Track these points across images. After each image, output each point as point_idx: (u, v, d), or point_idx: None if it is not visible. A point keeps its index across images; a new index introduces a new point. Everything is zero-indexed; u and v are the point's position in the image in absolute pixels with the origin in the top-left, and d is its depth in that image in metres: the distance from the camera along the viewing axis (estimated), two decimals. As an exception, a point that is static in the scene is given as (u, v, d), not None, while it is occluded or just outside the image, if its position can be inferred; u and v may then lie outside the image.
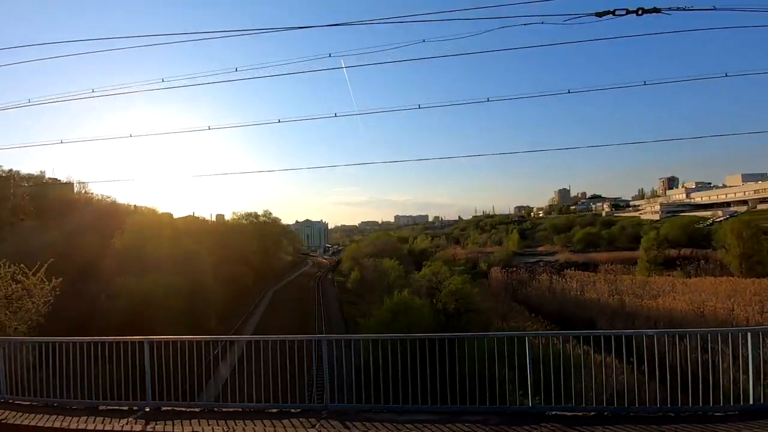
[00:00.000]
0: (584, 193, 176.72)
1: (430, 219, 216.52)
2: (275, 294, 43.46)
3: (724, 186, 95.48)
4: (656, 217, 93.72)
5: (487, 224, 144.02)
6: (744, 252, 50.67)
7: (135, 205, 48.13)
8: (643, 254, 56.77)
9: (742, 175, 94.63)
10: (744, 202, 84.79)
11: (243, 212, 56.58)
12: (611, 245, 77.01)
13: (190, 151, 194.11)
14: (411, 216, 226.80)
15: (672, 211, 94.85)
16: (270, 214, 60.29)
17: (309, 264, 79.41)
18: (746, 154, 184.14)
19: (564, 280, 52.59)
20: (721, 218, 77.20)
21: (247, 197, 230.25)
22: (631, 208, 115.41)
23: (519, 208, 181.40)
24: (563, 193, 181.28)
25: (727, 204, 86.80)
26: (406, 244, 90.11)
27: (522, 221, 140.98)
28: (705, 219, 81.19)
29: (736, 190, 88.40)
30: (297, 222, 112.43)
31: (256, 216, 56.80)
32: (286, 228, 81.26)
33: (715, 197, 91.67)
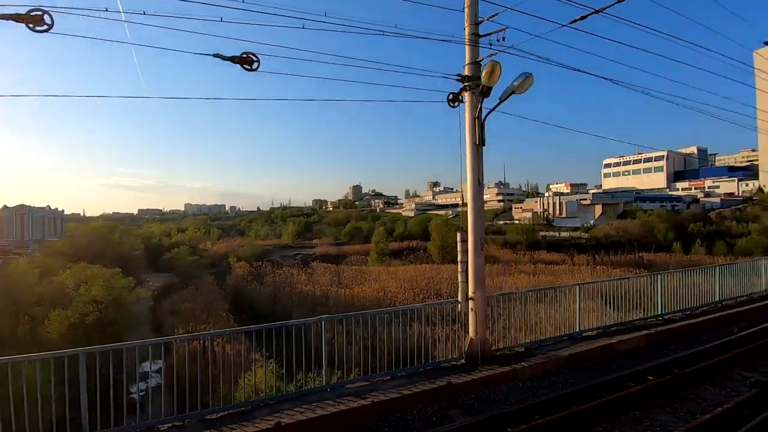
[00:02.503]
0: (374, 190, 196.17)
1: (227, 209, 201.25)
2: None
3: (457, 191, 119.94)
4: (411, 213, 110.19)
5: (277, 216, 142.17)
6: (442, 244, 62.65)
7: None
8: (374, 246, 63.89)
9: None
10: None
11: None
12: (367, 239, 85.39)
13: None
14: (205, 205, 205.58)
15: (423, 209, 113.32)
16: None
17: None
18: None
19: (300, 273, 53.78)
20: (451, 216, 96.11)
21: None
22: (398, 206, 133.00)
23: (315, 201, 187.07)
24: (356, 189, 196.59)
25: (456, 205, 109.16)
26: (167, 238, 78.85)
27: (311, 214, 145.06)
28: (440, 217, 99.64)
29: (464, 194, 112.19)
30: (5, 207, 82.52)
31: None
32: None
33: (450, 200, 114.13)
